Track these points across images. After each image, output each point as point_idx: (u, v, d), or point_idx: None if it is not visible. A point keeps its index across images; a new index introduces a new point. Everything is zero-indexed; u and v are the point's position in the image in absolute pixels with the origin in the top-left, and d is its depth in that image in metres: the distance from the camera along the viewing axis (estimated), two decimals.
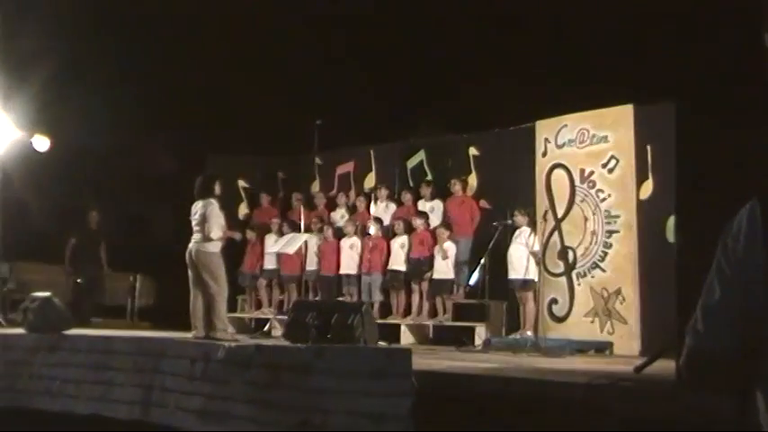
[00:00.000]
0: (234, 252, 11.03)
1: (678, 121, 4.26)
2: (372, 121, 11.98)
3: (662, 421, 3.66)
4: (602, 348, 8.98)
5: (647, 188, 9.22)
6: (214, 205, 8.03)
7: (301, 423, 4.98)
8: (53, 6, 11.33)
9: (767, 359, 1.75)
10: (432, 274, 10.59)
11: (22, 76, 11.29)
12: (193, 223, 8.08)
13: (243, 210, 13.12)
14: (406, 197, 11.51)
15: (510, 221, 9.88)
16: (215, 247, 8.02)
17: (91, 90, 11.97)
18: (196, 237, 8.03)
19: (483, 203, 10.99)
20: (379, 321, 8.80)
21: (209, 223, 7.89)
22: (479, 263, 9.45)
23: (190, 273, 8.04)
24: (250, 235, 12.16)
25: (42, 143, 11.24)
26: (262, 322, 11.69)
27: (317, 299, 11.37)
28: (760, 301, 1.72)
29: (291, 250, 10.57)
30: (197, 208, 8.10)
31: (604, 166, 9.54)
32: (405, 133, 12.09)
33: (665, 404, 3.72)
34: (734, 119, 3.66)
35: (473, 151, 11.26)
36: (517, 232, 9.90)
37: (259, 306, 12.35)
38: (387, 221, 11.41)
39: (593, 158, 9.64)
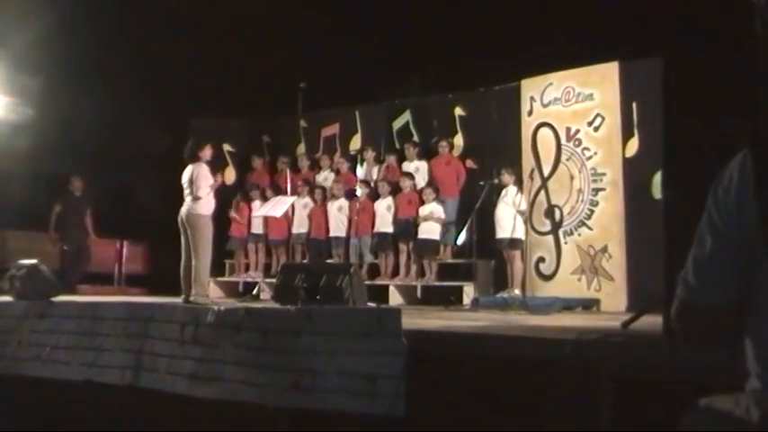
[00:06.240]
0: (224, 217, 11.06)
1: (665, 76, 4.24)
2: (357, 83, 11.89)
3: (650, 375, 3.70)
4: (590, 305, 9.07)
5: (633, 145, 9.24)
6: (203, 167, 8.15)
7: (292, 384, 5.01)
8: None
9: (756, 309, 1.76)
10: (418, 235, 10.63)
11: (3, 44, 11.13)
12: (184, 187, 8.15)
13: (229, 174, 13.06)
14: (390, 158, 11.49)
15: (496, 181, 9.91)
16: (205, 210, 8.08)
17: (72, 57, 11.81)
18: (187, 200, 8.10)
19: (469, 163, 11.00)
20: (367, 282, 8.82)
21: (196, 184, 7.97)
22: (467, 222, 9.47)
23: (182, 238, 8.10)
24: (237, 199, 12.19)
25: None
26: (250, 286, 11.70)
27: (305, 261, 11.38)
28: (750, 254, 1.73)
29: (278, 213, 10.55)
30: (187, 172, 8.17)
31: (590, 124, 9.54)
32: (390, 94, 12.02)
33: (653, 358, 3.76)
34: (720, 73, 3.65)
35: (459, 111, 11.24)
36: (504, 191, 9.92)
37: (247, 270, 12.37)
38: (373, 183, 11.39)
39: (578, 117, 9.64)
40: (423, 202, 10.63)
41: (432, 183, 10.72)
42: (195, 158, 8.21)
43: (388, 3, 11.78)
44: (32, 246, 11.36)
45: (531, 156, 10.05)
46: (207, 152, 8.32)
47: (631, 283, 8.95)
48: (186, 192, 8.15)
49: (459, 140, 11.18)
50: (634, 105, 9.17)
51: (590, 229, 9.46)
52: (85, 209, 11.97)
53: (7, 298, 7.74)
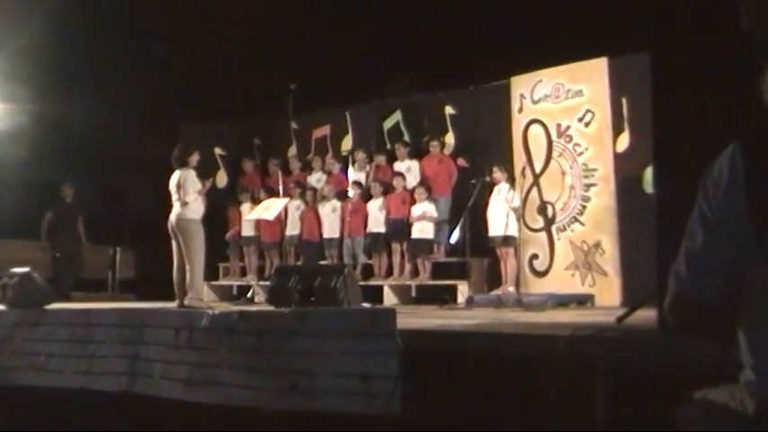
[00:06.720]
0: (217, 220, 11.03)
1: (653, 70, 4.25)
2: (347, 83, 11.88)
3: (645, 369, 3.71)
4: (584, 301, 9.08)
5: (624, 140, 9.26)
6: (190, 172, 8.18)
7: (289, 387, 5.00)
8: None
9: (748, 301, 1.77)
10: (410, 234, 10.63)
11: None
12: (172, 193, 8.16)
13: (221, 177, 13.04)
14: (379, 158, 11.49)
15: (488, 178, 9.91)
16: (193, 214, 8.09)
17: (63, 64, 11.77)
18: (175, 206, 8.12)
19: (460, 161, 11.01)
20: (361, 283, 8.82)
21: (183, 189, 7.99)
22: (459, 221, 9.47)
23: (174, 243, 8.12)
24: (233, 203, 12.21)
25: None
26: (244, 289, 11.68)
27: (298, 263, 11.37)
28: (741, 246, 1.73)
29: (271, 216, 10.53)
30: (174, 177, 8.20)
31: (580, 120, 9.56)
32: (380, 94, 12.02)
33: (647, 352, 3.77)
34: (708, 67, 3.66)
35: (449, 110, 11.25)
36: (496, 189, 9.92)
37: (244, 274, 12.36)
38: (365, 184, 11.39)
39: (569, 113, 9.66)
40: (415, 202, 10.63)
41: (424, 182, 10.72)
42: (183, 164, 8.25)
43: (376, 3, 11.77)
44: (24, 254, 11.31)
45: (523, 153, 10.07)
46: (194, 158, 8.38)
47: (625, 277, 8.97)
48: (174, 198, 8.18)
49: (449, 139, 11.19)
50: (623, 100, 9.19)
51: (582, 224, 9.48)
52: (77, 215, 11.94)
53: (0, 307, 7.70)
